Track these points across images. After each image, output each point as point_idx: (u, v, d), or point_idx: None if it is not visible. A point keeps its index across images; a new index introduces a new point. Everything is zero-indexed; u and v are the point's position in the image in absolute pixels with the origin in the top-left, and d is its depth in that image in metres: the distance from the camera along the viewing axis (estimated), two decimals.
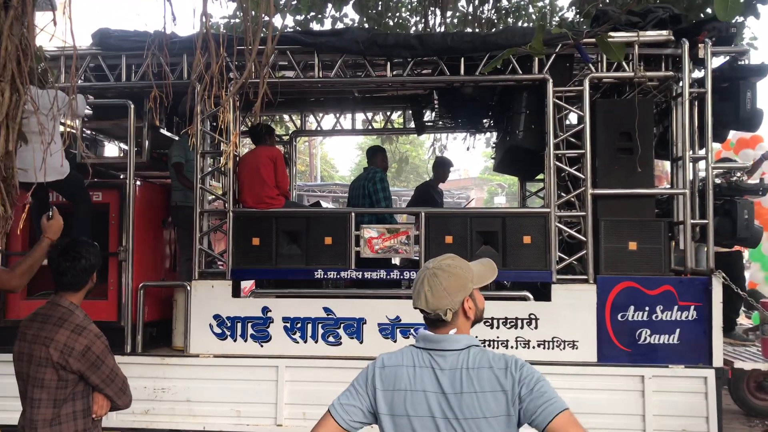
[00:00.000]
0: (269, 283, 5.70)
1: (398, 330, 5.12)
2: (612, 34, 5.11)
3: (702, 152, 5.24)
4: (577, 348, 5.01)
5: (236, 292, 5.36)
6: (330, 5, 9.73)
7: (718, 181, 5.82)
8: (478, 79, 5.36)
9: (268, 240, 5.29)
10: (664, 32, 5.22)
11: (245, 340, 5.20)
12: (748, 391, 7.21)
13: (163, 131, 6.35)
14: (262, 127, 5.94)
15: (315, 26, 9.85)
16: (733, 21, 7.22)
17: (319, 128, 8.37)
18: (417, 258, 5.26)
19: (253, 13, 2.71)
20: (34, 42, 2.04)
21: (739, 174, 5.74)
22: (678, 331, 4.96)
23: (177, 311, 5.49)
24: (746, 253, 9.13)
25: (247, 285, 6.28)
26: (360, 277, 5.23)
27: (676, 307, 4.99)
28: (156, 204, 6.08)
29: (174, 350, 5.45)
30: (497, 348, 5.06)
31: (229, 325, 5.22)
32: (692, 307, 4.98)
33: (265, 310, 5.20)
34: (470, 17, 10.80)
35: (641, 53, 5.26)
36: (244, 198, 5.52)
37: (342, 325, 5.14)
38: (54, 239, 3.23)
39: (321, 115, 8.24)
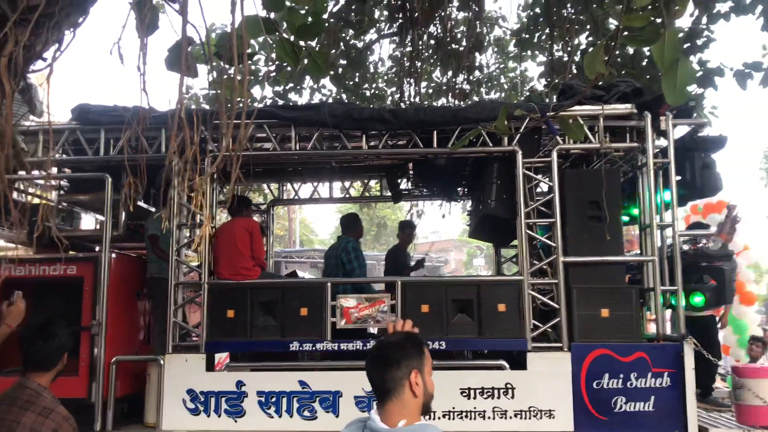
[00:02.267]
0: (244, 356, 5.64)
1: (375, 403, 5.05)
2: (577, 107, 5.31)
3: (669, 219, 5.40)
4: (554, 417, 4.99)
5: (210, 366, 5.29)
6: (308, 77, 10.01)
7: (686, 247, 5.97)
8: (451, 151, 5.51)
9: (243, 312, 5.27)
10: (628, 105, 5.45)
11: (219, 416, 5.11)
12: None
13: (140, 203, 6.39)
14: (238, 199, 6.00)
15: (293, 97, 10.10)
16: (692, 93, 7.57)
17: (296, 197, 8.46)
18: None
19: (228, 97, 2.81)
20: (11, 131, 2.11)
21: (705, 240, 5.89)
22: (653, 398, 4.98)
23: (150, 386, 5.39)
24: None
25: (222, 357, 6.20)
26: (336, 348, 5.21)
27: (650, 374, 5.02)
28: (131, 276, 6.05)
29: (146, 427, 5.32)
30: (475, 419, 5.01)
31: (202, 399, 5.13)
32: (666, 374, 5.02)
33: (240, 383, 5.14)
34: (444, 87, 11.14)
35: (606, 125, 5.46)
36: (219, 270, 5.53)
37: (317, 398, 5.08)
38: (14, 326, 3.17)
39: (299, 183, 8.35)
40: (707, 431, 5.18)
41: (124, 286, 5.85)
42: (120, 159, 5.50)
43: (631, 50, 8.72)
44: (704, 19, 7.98)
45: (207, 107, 8.18)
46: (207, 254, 5.42)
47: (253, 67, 9.22)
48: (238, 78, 2.90)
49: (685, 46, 7.83)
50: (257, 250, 5.64)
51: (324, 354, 5.42)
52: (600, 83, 5.67)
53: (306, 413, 5.07)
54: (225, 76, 3.11)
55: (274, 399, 5.10)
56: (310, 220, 35.59)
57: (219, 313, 5.29)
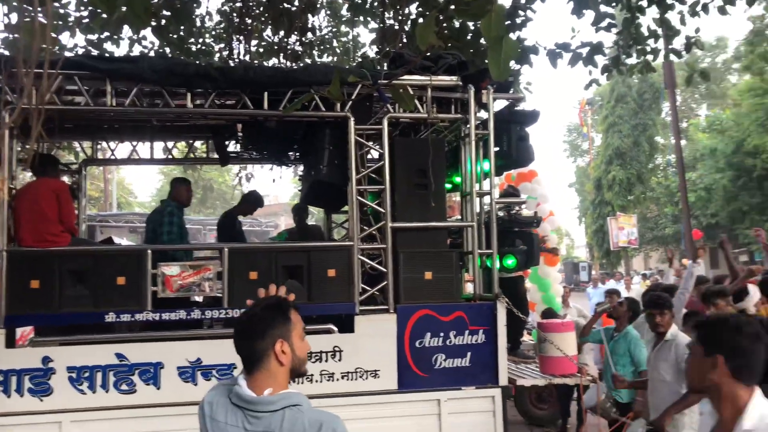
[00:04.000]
0: (51, 330, 5.15)
1: (199, 372, 4.90)
2: (407, 77, 5.41)
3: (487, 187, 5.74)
4: (378, 377, 5.16)
5: (10, 342, 4.76)
6: (126, 26, 9.21)
7: (501, 213, 6.42)
8: (281, 114, 5.36)
9: (49, 281, 4.78)
10: (454, 78, 5.64)
11: (21, 395, 4.63)
12: (530, 402, 7.96)
13: None
14: (42, 158, 5.40)
15: (110, 47, 9.26)
16: (511, 70, 8.08)
17: (113, 156, 7.81)
18: (220, 295, 5.09)
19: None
20: None
21: (517, 208, 6.38)
22: (469, 354, 5.33)
23: None
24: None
25: (25, 331, 5.62)
26: (158, 318, 4.93)
27: (467, 332, 5.36)
28: None
29: None
30: (302, 383, 5.03)
31: (1, 379, 4.62)
32: (481, 331, 5.38)
33: (46, 360, 4.69)
34: (275, 47, 10.86)
35: (434, 96, 5.62)
36: (22, 235, 4.95)
37: (137, 371, 4.79)
38: None
39: (116, 142, 7.71)
40: (515, 382, 5.68)
41: None
42: None
43: (456, 24, 9.08)
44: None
45: (5, 53, 7.21)
46: (5, 218, 4.82)
47: (61, 11, 8.28)
48: (42, 21, 2.56)
49: (506, 23, 8.32)
50: (66, 214, 5.13)
51: (144, 325, 5.11)
52: (428, 54, 5.82)
53: (124, 387, 4.77)
54: (26, 18, 2.72)
55: (87, 374, 4.72)
56: (128, 181, 33.33)
57: (21, 284, 4.75)
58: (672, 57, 9.72)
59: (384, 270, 5.34)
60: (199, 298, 5.68)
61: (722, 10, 8.47)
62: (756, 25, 24.15)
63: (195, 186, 7.63)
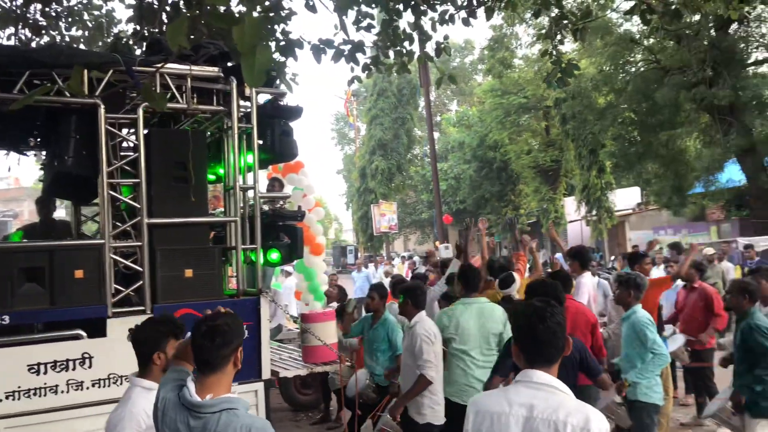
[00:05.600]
0: None
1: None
2: (166, 66, 5.15)
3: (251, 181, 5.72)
4: None
5: None
6: None
7: (266, 207, 6.44)
8: (15, 97, 4.75)
9: None
10: (215, 68, 5.50)
11: None
12: (295, 389, 8.18)
13: None
14: None
15: None
16: (275, 62, 8.10)
17: None
18: None
19: None
20: None
21: (282, 202, 6.46)
22: None
23: None
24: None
25: None
26: None
27: None
28: None
29: None
30: (46, 395, 4.59)
31: None
32: (244, 326, 5.36)
33: None
34: (13, 16, 9.58)
35: (194, 86, 5.42)
36: None
37: None
38: None
39: None
40: (278, 374, 5.79)
41: None
42: None
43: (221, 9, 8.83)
44: None
45: None
46: None
47: None
48: None
49: (271, 14, 8.30)
50: None
51: None
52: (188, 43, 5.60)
53: None
54: None
55: None
56: None
57: None
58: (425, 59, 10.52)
59: (140, 269, 5.07)
60: None
61: (466, 22, 9.36)
62: (496, 33, 27.13)
63: None
